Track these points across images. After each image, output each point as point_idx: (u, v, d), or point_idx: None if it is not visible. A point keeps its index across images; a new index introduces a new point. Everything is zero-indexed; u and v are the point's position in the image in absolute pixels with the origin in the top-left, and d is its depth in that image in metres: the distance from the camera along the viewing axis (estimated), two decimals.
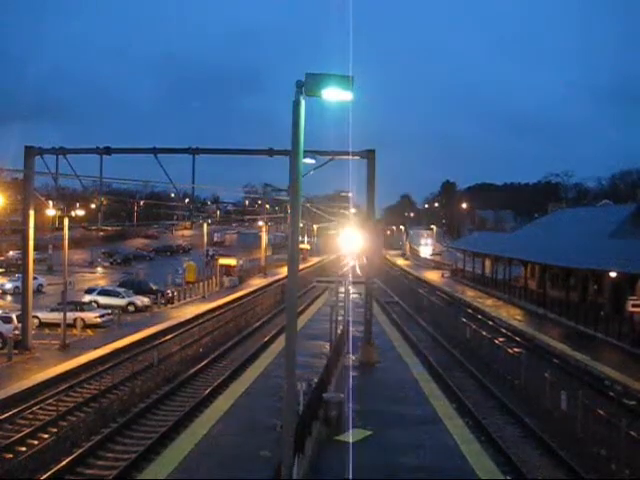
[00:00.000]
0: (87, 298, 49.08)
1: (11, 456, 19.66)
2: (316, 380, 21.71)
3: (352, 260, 57.94)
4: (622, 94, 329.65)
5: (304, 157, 11.49)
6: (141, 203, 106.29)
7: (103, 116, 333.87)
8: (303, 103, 10.39)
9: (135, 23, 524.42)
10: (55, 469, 18.45)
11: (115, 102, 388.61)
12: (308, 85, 10.15)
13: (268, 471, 11.64)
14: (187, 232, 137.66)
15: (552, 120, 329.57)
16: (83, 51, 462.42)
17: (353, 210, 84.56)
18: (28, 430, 21.92)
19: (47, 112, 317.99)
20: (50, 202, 48.52)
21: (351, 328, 35.75)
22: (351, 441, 18.46)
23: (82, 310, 42.16)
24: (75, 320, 39.82)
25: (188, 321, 46.21)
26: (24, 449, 20.33)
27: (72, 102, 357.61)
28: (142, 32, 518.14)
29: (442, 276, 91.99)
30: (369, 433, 19.32)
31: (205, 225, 75.13)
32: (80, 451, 20.14)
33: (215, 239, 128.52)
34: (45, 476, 17.93)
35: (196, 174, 33.39)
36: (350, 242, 42.82)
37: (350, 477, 13.67)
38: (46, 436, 21.55)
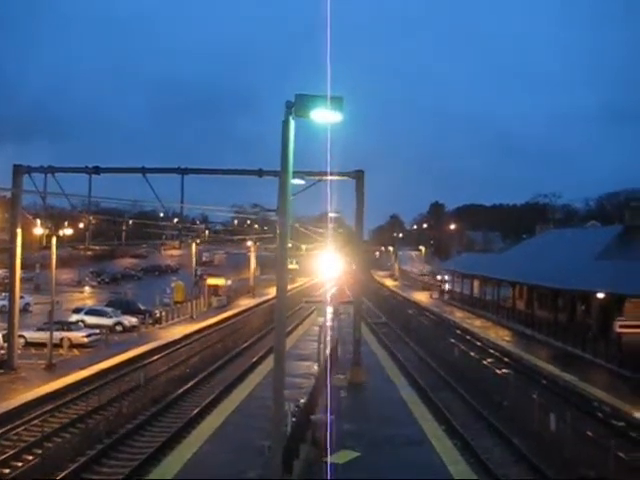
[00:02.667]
0: (74, 318, 48.78)
1: None
2: (304, 401, 21.62)
3: (332, 284, 57.70)
4: (609, 116, 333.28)
5: (293, 178, 11.52)
6: (130, 222, 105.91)
7: (94, 135, 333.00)
8: (292, 124, 10.45)
9: (127, 44, 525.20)
10: None
11: (106, 121, 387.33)
12: (297, 106, 10.22)
13: None
14: (175, 252, 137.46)
15: (540, 141, 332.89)
16: (75, 71, 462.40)
17: (340, 230, 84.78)
18: (12, 452, 21.66)
19: (37, 131, 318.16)
20: (38, 221, 48.26)
21: (340, 348, 35.73)
22: (339, 462, 18.35)
23: (69, 330, 41.89)
24: (62, 340, 39.56)
25: (176, 341, 45.98)
26: (7, 471, 20.08)
27: (63, 121, 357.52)
28: (134, 52, 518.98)
29: (431, 297, 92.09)
30: (357, 454, 19.20)
31: (194, 245, 74.88)
32: (64, 474, 19.91)
33: (204, 259, 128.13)
34: None
35: (185, 194, 33.39)
36: (331, 265, 42.69)
37: None
38: (30, 457, 21.30)
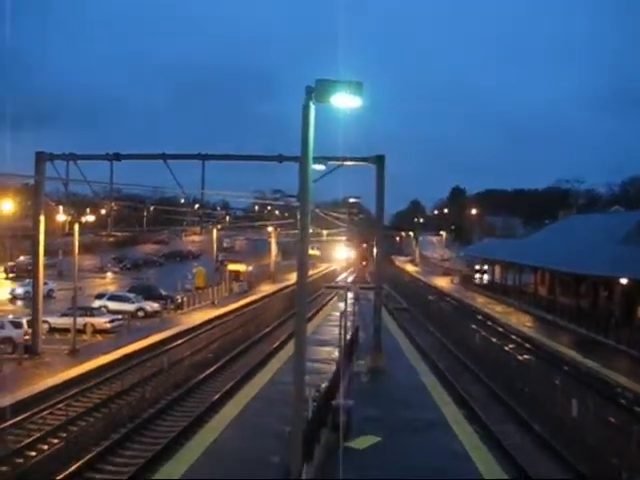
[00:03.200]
0: (97, 303, 49.27)
1: (21, 461, 19.72)
2: (325, 386, 21.67)
3: (353, 270, 56.92)
4: (634, 99, 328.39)
5: (314, 163, 11.49)
6: (151, 209, 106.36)
7: (114, 122, 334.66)
8: (313, 109, 10.40)
9: (148, 28, 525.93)
10: (64, 474, 18.49)
11: (126, 108, 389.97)
12: (318, 91, 10.17)
13: (277, 478, 11.62)
14: (197, 238, 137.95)
15: (563, 126, 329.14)
16: (94, 57, 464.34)
17: (361, 216, 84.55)
18: (38, 435, 21.99)
19: (57, 118, 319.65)
20: (60, 208, 48.69)
21: (360, 334, 35.72)
22: (360, 447, 18.44)
23: (92, 315, 42.32)
24: (85, 325, 39.96)
25: (197, 327, 46.26)
26: (34, 454, 20.39)
27: (82, 108, 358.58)
28: (155, 37, 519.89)
29: (451, 282, 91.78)
30: (378, 439, 19.26)
31: (214, 231, 75.11)
32: (89, 456, 20.19)
33: (225, 245, 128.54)
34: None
35: (206, 180, 33.50)
36: (351, 251, 42.58)
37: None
38: (56, 441, 21.60)
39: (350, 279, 47.46)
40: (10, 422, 22.38)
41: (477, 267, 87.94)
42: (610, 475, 19.15)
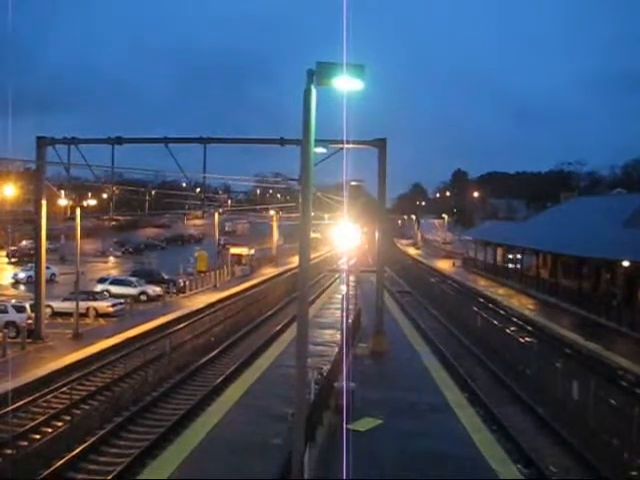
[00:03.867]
0: (99, 288, 49.37)
1: (26, 443, 19.85)
2: (327, 369, 21.77)
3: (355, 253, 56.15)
4: (635, 81, 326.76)
5: (315, 146, 11.45)
6: (152, 193, 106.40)
7: (116, 106, 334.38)
8: (314, 92, 10.35)
9: (148, 12, 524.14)
10: (69, 457, 18.62)
11: (127, 92, 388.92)
12: (319, 74, 10.11)
13: (280, 459, 11.69)
14: (198, 221, 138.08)
15: (565, 108, 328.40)
16: (96, 41, 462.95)
17: (364, 199, 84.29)
18: (42, 418, 22.13)
19: (59, 103, 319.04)
20: (62, 192, 48.67)
21: (362, 317, 35.83)
22: (362, 429, 18.54)
23: (94, 299, 42.43)
24: (87, 309, 40.11)
25: (200, 310, 46.37)
26: (38, 437, 20.53)
27: (84, 92, 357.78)
28: (155, 21, 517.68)
29: (453, 265, 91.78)
30: (380, 421, 19.36)
31: (216, 214, 75.09)
32: (93, 439, 20.32)
33: (226, 228, 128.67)
34: (60, 462, 18.11)
35: (207, 163, 33.42)
36: (353, 234, 42.31)
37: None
38: (60, 424, 21.73)
39: (352, 262, 47.45)
40: (15, 405, 22.51)
41: (510, 256, 76.33)
42: (610, 455, 19.25)
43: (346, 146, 31.82)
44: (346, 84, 10.15)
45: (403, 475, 15.52)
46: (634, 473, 18.06)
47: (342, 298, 31.36)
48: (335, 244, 40.37)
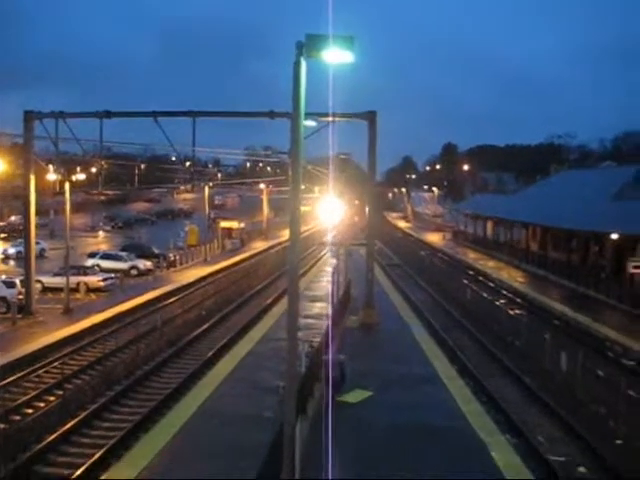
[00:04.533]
0: (90, 262, 49.30)
1: (18, 418, 19.93)
2: (318, 341, 21.88)
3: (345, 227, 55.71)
4: (626, 53, 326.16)
5: (305, 120, 11.41)
6: (142, 167, 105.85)
7: (105, 81, 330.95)
8: (304, 65, 10.30)
9: None
10: (61, 431, 18.72)
11: (116, 65, 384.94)
12: (308, 46, 10.04)
13: (271, 432, 11.80)
14: (188, 196, 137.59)
15: (555, 81, 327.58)
16: (85, 15, 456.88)
17: (352, 171, 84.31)
18: (34, 393, 22.20)
19: (47, 77, 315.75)
20: (51, 167, 48.34)
21: (353, 290, 35.96)
22: (352, 401, 18.71)
23: (85, 274, 42.39)
24: (78, 284, 40.08)
25: (190, 284, 46.45)
26: (31, 411, 20.60)
27: (73, 66, 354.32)
28: None
29: (443, 238, 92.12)
30: (370, 394, 19.54)
31: (206, 188, 74.86)
32: (85, 413, 20.42)
33: (216, 202, 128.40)
34: (52, 437, 18.20)
35: (197, 137, 33.28)
36: (343, 207, 42.05)
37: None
38: (52, 399, 21.81)
39: (342, 235, 47.47)
40: (6, 381, 22.58)
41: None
42: (597, 424, 19.52)
43: (336, 119, 31.79)
44: (335, 56, 10.10)
45: (390, 445, 15.69)
46: (619, 441, 18.33)
47: (332, 271, 31.53)
48: (325, 217, 40.37)
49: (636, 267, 36.74)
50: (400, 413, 18.14)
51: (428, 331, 30.90)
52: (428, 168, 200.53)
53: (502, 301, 40.52)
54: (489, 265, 60.39)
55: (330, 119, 31.35)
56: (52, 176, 47.40)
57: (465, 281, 46.86)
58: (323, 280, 44.97)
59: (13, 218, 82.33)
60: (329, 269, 34.76)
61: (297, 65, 10.26)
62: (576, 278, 45.95)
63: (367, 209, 36.69)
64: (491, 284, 49.71)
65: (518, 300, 42.23)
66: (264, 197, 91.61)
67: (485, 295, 40.54)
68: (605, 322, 33.57)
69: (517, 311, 36.22)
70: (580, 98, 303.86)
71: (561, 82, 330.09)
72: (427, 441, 16.11)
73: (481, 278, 52.74)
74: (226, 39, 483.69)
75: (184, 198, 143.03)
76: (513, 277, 52.17)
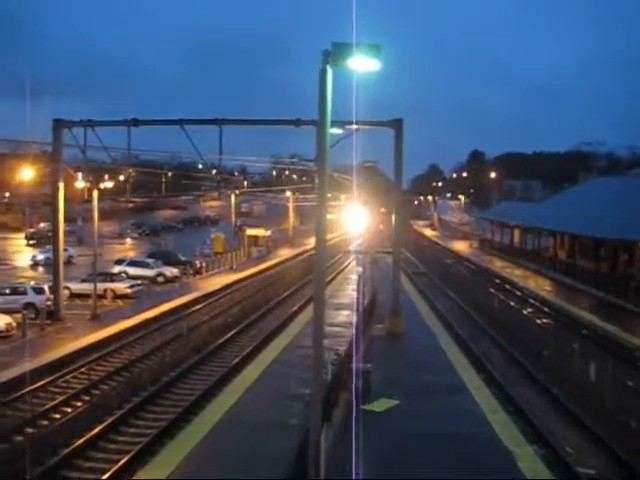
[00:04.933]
0: (117, 269, 49.75)
1: (46, 423, 20.12)
2: (344, 350, 21.82)
3: (371, 234, 55.36)
4: None
5: (331, 127, 11.41)
6: (169, 174, 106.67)
7: (131, 89, 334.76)
8: (330, 72, 10.30)
9: None
10: (88, 436, 18.85)
11: (142, 73, 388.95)
12: (335, 54, 10.05)
13: (297, 439, 11.77)
14: (215, 203, 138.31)
15: (584, 88, 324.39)
16: (111, 24, 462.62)
17: (379, 178, 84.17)
18: (62, 398, 22.40)
19: (76, 86, 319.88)
20: (79, 174, 48.92)
21: (378, 298, 35.82)
22: (378, 410, 18.61)
23: (112, 281, 42.78)
24: (105, 291, 40.45)
25: (217, 291, 46.60)
26: (58, 416, 20.78)
27: (100, 76, 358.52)
28: (169, 2, 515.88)
29: (470, 246, 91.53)
30: (396, 402, 19.42)
31: (233, 196, 75.24)
32: (112, 419, 20.55)
33: (243, 210, 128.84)
34: (80, 442, 18.32)
35: (223, 145, 33.47)
36: (369, 215, 41.92)
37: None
38: (79, 404, 21.99)
39: (368, 243, 47.37)
40: (35, 385, 22.81)
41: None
42: (628, 436, 19.20)
43: (361, 127, 31.75)
44: (362, 64, 10.09)
45: (419, 455, 15.58)
46: None
47: (358, 279, 31.44)
48: (351, 225, 40.36)
49: None
50: (426, 422, 18.01)
51: (454, 340, 30.68)
52: (455, 176, 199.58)
53: (529, 310, 40.11)
54: (516, 273, 59.85)
55: (355, 127, 31.40)
56: (80, 184, 47.96)
57: (492, 289, 46.47)
58: (349, 288, 44.86)
59: (42, 225, 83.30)
60: (355, 277, 34.64)
61: (323, 73, 10.27)
62: (605, 287, 45.37)
63: (393, 217, 36.55)
64: (518, 292, 49.25)
65: (545, 309, 41.79)
66: (290, 205, 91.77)
67: (512, 304, 40.14)
68: (634, 331, 33.06)
69: (544, 320, 35.82)
70: (609, 105, 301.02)
71: (590, 89, 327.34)
72: (453, 450, 15.96)
73: (508, 286, 52.27)
74: (250, 47, 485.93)
75: (210, 206, 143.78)
76: (540, 285, 51.64)
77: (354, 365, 20.20)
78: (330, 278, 52.33)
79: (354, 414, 14.08)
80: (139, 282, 44.74)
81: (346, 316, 33.98)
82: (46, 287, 36.22)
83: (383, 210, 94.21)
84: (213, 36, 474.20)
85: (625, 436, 19.26)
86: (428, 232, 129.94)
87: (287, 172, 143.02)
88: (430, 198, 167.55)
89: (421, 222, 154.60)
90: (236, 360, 28.29)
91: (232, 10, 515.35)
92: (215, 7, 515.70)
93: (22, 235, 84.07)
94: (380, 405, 19.00)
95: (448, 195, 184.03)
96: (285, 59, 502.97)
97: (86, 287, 39.50)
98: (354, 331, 24.64)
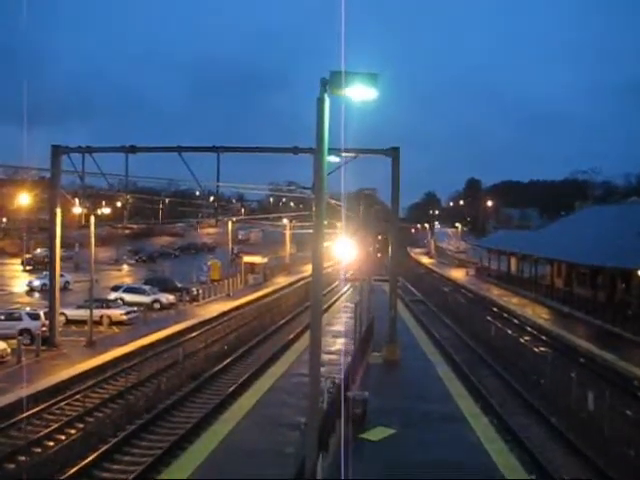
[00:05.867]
0: (113, 295, 49.59)
1: (39, 450, 19.92)
2: (340, 378, 21.70)
3: (368, 262, 55.23)
4: None
5: (328, 155, 11.46)
6: (166, 201, 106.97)
7: (130, 116, 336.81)
8: (327, 101, 10.38)
9: (163, 24, 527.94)
10: (82, 464, 18.65)
11: (141, 102, 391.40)
12: (332, 83, 10.13)
13: (292, 468, 11.67)
14: (212, 230, 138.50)
15: (579, 117, 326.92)
16: (111, 52, 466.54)
17: (377, 207, 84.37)
18: (56, 425, 22.20)
19: (73, 113, 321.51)
20: (76, 200, 48.99)
21: (375, 325, 35.73)
22: (375, 439, 18.47)
23: (108, 307, 42.61)
24: (101, 317, 40.29)
25: (213, 319, 46.43)
26: (52, 444, 20.59)
27: (100, 103, 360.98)
28: (169, 33, 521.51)
29: (467, 274, 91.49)
30: (393, 431, 19.29)
31: (230, 223, 75.32)
32: (106, 447, 20.35)
33: (240, 237, 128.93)
34: (73, 470, 18.14)
35: (221, 172, 33.55)
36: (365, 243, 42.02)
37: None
38: (73, 431, 21.79)
39: (365, 271, 47.43)
40: (29, 413, 22.60)
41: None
42: (626, 466, 19.05)
43: (358, 155, 31.93)
44: (360, 93, 10.16)
45: None
46: None
47: (355, 307, 31.37)
48: (347, 253, 40.41)
49: None
50: (423, 451, 17.88)
51: (452, 368, 30.56)
52: (451, 204, 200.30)
53: (527, 338, 39.99)
54: (513, 301, 59.76)
55: (352, 155, 31.57)
56: (78, 209, 48.03)
57: (489, 318, 46.37)
58: (345, 316, 44.73)
59: (39, 250, 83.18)
60: (351, 305, 34.58)
61: (321, 101, 10.35)
62: (602, 315, 45.31)
63: (390, 245, 36.58)
64: (515, 321, 49.15)
65: (543, 337, 41.67)
66: (287, 232, 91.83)
67: (509, 332, 40.02)
68: (632, 360, 32.94)
69: (542, 348, 35.70)
70: (604, 134, 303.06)
71: (586, 118, 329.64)
72: (450, 478, 15.82)
73: (505, 315, 52.17)
74: (249, 78, 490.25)
75: (207, 233, 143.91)
76: (537, 314, 51.54)
77: (350, 393, 20.12)
78: (327, 305, 52.20)
79: (350, 443, 13.98)
80: (135, 309, 44.59)
81: (343, 344, 33.85)
82: (42, 313, 36.05)
83: (380, 237, 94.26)
84: (213, 68, 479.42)
85: (624, 466, 19.11)
86: (425, 260, 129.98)
87: (284, 199, 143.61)
88: (427, 226, 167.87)
89: (418, 250, 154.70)
90: (232, 388, 28.11)
91: (233, 43, 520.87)
92: (216, 41, 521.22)
93: (19, 261, 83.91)
94: (376, 434, 18.87)
95: (446, 223, 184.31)
96: (285, 89, 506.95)
97: (82, 313, 39.36)
98: (351, 359, 24.59)
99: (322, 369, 12.28)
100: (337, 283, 74.76)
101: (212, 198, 55.31)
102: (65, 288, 54.12)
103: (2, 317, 36.37)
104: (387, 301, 33.76)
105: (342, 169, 27.94)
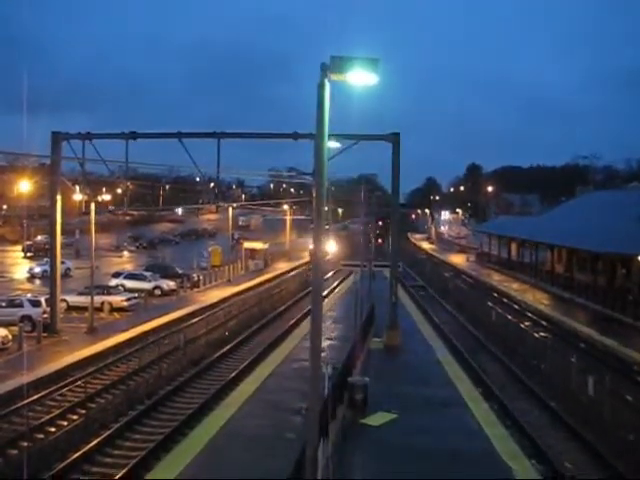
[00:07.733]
0: (114, 282, 49.59)
1: (42, 436, 20.00)
2: (341, 363, 21.77)
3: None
4: None
5: (329, 141, 11.41)
6: (167, 187, 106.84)
7: (130, 104, 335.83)
8: (328, 86, 10.31)
9: (164, 10, 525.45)
10: (84, 450, 18.74)
11: (142, 89, 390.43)
12: (333, 68, 10.05)
13: (293, 453, 11.71)
14: (212, 216, 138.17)
15: (580, 102, 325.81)
16: (112, 39, 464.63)
17: (378, 193, 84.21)
18: (58, 411, 22.28)
19: (74, 100, 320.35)
20: (77, 187, 48.97)
21: (376, 311, 35.79)
22: (376, 424, 18.54)
23: (109, 294, 42.64)
24: (102, 304, 40.34)
25: (214, 304, 46.48)
26: (54, 430, 20.67)
27: (99, 90, 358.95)
28: (171, 19, 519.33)
29: (467, 259, 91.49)
30: (394, 416, 19.35)
31: (230, 209, 75.24)
32: (108, 432, 20.44)
33: (240, 223, 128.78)
34: (75, 455, 18.23)
35: (221, 159, 33.46)
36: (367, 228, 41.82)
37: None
38: (75, 417, 21.88)
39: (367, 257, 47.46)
40: (31, 399, 22.67)
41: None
42: (626, 451, 19.13)
43: (359, 141, 31.88)
44: (360, 78, 10.09)
45: (415, 470, 15.50)
46: None
47: (356, 292, 31.40)
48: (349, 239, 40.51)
49: None
50: (424, 436, 17.95)
51: (452, 353, 30.64)
52: (452, 189, 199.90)
53: (527, 323, 40.05)
54: (513, 287, 59.81)
55: (353, 141, 31.51)
56: (78, 196, 48.02)
57: (489, 303, 46.42)
58: (346, 301, 44.78)
59: (39, 237, 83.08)
60: (353, 290, 34.61)
61: (321, 87, 10.28)
62: (602, 301, 45.35)
63: (391, 230, 36.56)
64: (516, 306, 49.21)
65: (543, 322, 41.74)
66: (287, 218, 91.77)
67: (510, 317, 40.09)
68: (632, 345, 33.01)
69: (542, 334, 35.76)
70: (605, 119, 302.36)
71: (587, 103, 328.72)
72: (451, 464, 15.89)
73: (505, 300, 52.23)
74: (250, 64, 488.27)
75: (208, 219, 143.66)
76: (538, 299, 51.60)
77: (352, 379, 20.18)
78: (327, 291, 52.26)
79: (351, 428, 14.03)
80: (136, 295, 44.63)
81: (344, 329, 33.91)
82: (43, 300, 36.09)
83: (381, 223, 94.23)
84: (214, 54, 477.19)
85: (624, 451, 19.19)
86: (425, 245, 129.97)
87: (285, 185, 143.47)
88: (427, 211, 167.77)
89: (419, 235, 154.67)
90: (233, 374, 28.19)
91: (234, 30, 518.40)
92: (217, 27, 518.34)
93: (20, 248, 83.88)
94: (377, 419, 18.94)
95: (446, 209, 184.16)
96: (286, 75, 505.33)
97: (83, 300, 39.40)
98: (352, 344, 24.63)
99: (323, 354, 12.29)
100: (338, 268, 74.81)
101: (212, 184, 55.25)
102: (66, 275, 54.09)
103: (3, 304, 36.43)
104: (388, 287, 33.79)
105: (336, 157, 27.85)
